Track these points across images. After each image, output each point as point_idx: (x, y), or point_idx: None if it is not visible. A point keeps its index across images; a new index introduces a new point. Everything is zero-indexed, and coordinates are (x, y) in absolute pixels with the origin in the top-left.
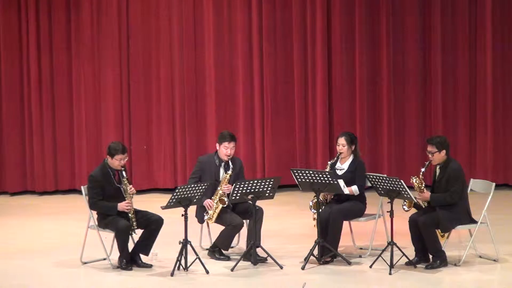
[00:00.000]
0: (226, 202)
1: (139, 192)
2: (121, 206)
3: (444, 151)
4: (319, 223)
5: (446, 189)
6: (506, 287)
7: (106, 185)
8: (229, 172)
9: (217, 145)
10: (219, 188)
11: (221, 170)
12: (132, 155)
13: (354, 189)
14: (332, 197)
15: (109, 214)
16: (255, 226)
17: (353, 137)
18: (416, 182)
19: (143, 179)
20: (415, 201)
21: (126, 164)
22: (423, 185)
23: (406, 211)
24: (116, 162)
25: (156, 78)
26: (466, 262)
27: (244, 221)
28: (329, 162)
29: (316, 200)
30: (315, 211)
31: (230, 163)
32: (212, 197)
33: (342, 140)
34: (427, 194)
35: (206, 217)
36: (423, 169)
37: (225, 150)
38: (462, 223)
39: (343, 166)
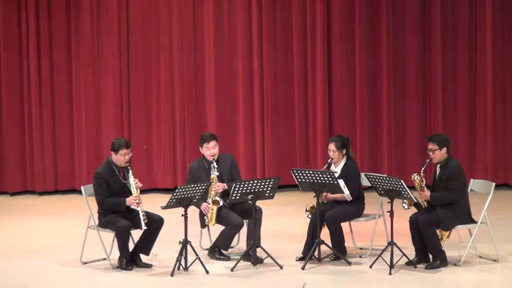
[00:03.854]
0: (220, 203)
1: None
2: (129, 200)
3: (445, 149)
4: (310, 222)
5: (446, 188)
6: (506, 287)
7: (112, 181)
8: (216, 173)
9: (200, 149)
10: (210, 190)
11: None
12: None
13: (346, 194)
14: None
15: (114, 211)
16: (255, 226)
17: (345, 140)
18: (417, 179)
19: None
20: (415, 201)
21: None
22: (424, 183)
23: (406, 209)
24: (121, 157)
25: (156, 78)
26: (466, 262)
27: (244, 221)
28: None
29: (311, 205)
30: (311, 217)
31: (215, 164)
32: (207, 200)
33: (332, 146)
34: (427, 193)
35: (206, 221)
36: (423, 168)
37: (208, 151)
38: (462, 222)
39: (336, 170)
